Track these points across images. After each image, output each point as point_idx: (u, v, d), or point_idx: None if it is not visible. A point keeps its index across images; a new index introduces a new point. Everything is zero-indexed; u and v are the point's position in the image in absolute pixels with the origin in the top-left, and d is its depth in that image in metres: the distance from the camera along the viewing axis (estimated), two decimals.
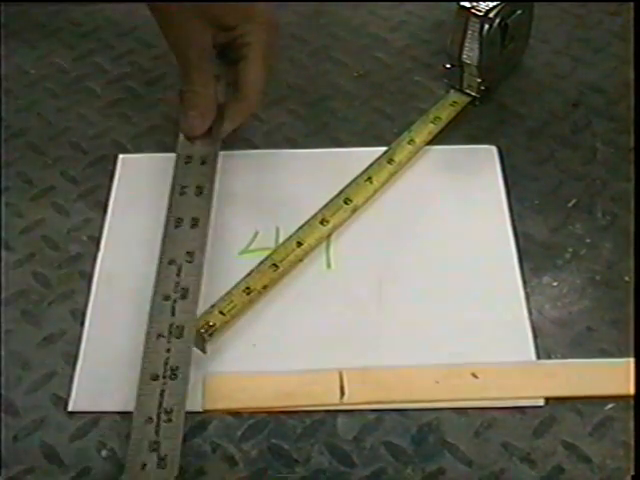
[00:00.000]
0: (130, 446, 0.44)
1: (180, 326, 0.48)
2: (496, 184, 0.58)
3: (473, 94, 0.62)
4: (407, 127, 0.61)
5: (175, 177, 0.55)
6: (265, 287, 0.52)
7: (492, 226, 0.56)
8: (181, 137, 0.57)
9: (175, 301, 0.49)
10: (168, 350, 0.47)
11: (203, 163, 0.55)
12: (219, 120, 0.57)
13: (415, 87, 0.65)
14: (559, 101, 0.64)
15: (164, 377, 0.46)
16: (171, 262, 0.50)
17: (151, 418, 0.45)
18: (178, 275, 0.50)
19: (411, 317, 0.51)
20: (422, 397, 0.48)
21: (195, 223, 0.52)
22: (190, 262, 0.50)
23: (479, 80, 0.61)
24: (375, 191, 0.57)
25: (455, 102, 0.62)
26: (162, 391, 0.45)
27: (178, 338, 0.47)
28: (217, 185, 0.57)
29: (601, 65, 0.66)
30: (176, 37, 0.55)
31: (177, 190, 0.54)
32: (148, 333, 0.48)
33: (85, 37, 0.70)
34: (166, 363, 0.46)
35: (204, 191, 0.54)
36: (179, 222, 0.52)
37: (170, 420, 0.44)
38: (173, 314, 0.48)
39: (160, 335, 0.47)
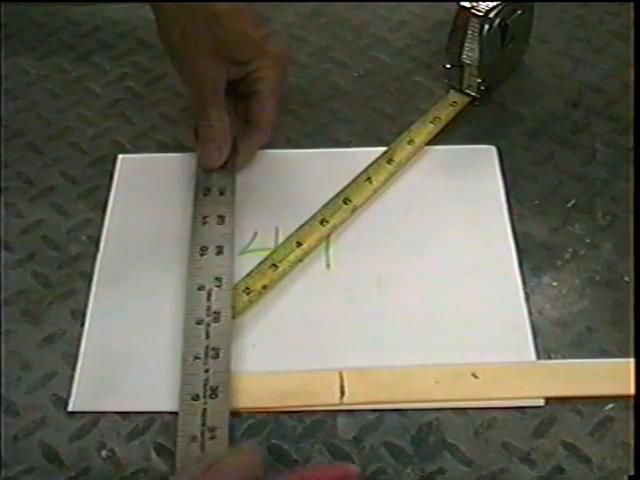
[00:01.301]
0: (177, 465, 0.44)
1: (216, 348, 0.48)
2: (496, 184, 0.58)
3: (473, 94, 0.62)
4: (407, 127, 0.61)
5: (195, 208, 0.56)
6: (265, 287, 0.52)
7: (492, 226, 0.56)
8: (198, 170, 0.58)
9: (208, 325, 0.49)
10: (206, 371, 0.48)
11: (222, 194, 0.56)
12: (234, 152, 0.58)
13: (415, 87, 0.65)
14: (559, 101, 0.64)
15: (204, 397, 0.47)
16: (200, 288, 0.51)
17: (195, 437, 0.45)
18: (209, 299, 0.50)
19: (411, 317, 0.51)
20: (422, 397, 0.48)
21: (220, 250, 0.53)
22: (219, 287, 0.51)
23: (479, 80, 0.61)
24: (375, 191, 0.57)
25: (455, 102, 0.62)
26: (204, 410, 0.46)
27: (214, 359, 0.48)
28: None
29: (601, 65, 0.66)
30: (191, 73, 0.55)
31: (199, 220, 0.55)
32: (184, 356, 0.48)
33: (85, 37, 0.70)
34: (205, 384, 0.47)
35: (225, 220, 0.55)
36: (204, 250, 0.53)
37: (214, 437, 0.45)
38: (208, 337, 0.49)
39: (196, 357, 0.48)
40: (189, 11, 0.52)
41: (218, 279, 0.51)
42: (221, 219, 0.55)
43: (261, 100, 0.58)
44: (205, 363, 0.48)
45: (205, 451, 0.45)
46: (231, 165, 0.58)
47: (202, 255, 0.53)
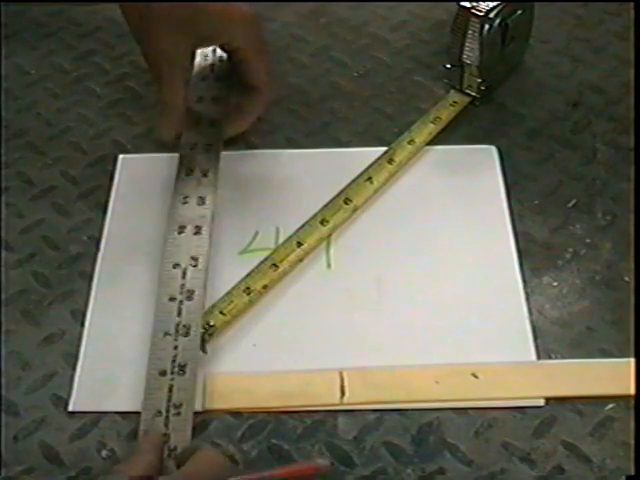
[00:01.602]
0: (139, 435, 0.45)
1: (187, 325, 0.49)
2: (496, 184, 0.58)
3: (473, 94, 0.62)
4: (407, 127, 0.61)
5: (176, 187, 0.56)
6: (265, 287, 0.52)
7: (492, 226, 0.56)
8: (182, 150, 0.58)
9: (181, 302, 0.50)
10: (175, 347, 0.48)
11: (204, 176, 0.56)
12: (217, 133, 0.58)
13: (415, 87, 0.65)
14: (559, 101, 0.64)
15: (172, 373, 0.47)
16: (175, 266, 0.51)
17: (160, 412, 0.45)
18: (183, 277, 0.51)
19: (411, 317, 0.51)
20: (422, 397, 0.48)
21: (198, 231, 0.53)
22: (195, 266, 0.51)
23: (479, 80, 0.61)
24: (375, 191, 0.57)
25: (455, 102, 0.62)
26: (171, 386, 0.46)
27: (185, 336, 0.48)
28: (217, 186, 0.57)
29: (601, 65, 0.66)
30: (150, 47, 0.55)
31: (179, 199, 0.55)
32: (154, 331, 0.49)
33: (85, 37, 0.70)
34: (174, 360, 0.47)
35: (206, 201, 0.55)
36: (182, 229, 0.53)
37: (179, 414, 0.45)
38: (179, 314, 0.49)
39: (167, 333, 0.48)
40: None
41: (194, 258, 0.51)
42: (202, 200, 0.55)
43: (248, 66, 0.58)
44: (175, 340, 0.48)
45: (169, 426, 0.45)
46: (215, 148, 0.58)
47: (180, 233, 0.53)
